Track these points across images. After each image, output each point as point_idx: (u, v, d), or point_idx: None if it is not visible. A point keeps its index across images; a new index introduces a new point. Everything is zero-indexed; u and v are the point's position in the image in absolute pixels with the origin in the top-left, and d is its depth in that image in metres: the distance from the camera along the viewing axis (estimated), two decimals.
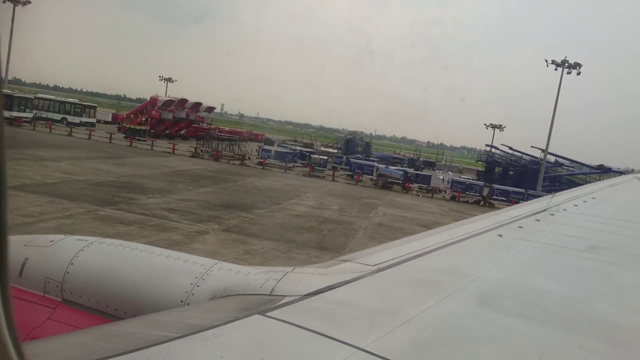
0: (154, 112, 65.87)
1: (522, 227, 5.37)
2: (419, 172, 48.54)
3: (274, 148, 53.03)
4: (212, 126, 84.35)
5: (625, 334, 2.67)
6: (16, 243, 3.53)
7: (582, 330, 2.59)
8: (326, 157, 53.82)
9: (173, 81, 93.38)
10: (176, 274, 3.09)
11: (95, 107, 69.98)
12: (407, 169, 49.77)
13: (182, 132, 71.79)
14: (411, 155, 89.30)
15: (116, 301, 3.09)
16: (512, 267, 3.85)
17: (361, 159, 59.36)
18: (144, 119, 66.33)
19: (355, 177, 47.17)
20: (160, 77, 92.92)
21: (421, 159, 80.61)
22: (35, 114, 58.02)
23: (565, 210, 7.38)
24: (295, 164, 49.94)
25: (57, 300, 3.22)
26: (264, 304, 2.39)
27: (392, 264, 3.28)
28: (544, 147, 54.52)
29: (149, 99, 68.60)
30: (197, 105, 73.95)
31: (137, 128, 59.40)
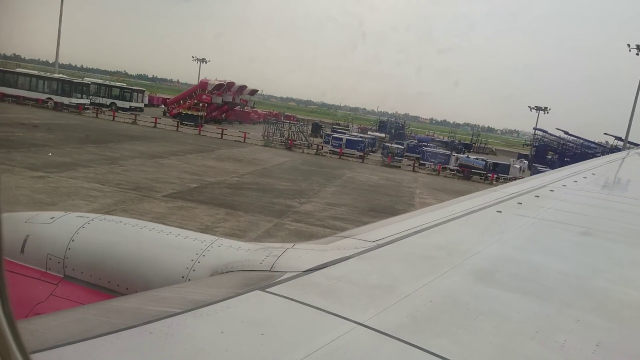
0: (204, 97, 64.31)
1: (521, 204, 5.32)
2: (497, 162, 47.37)
3: (345, 136, 51.67)
4: (253, 109, 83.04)
5: (621, 308, 2.66)
6: (17, 220, 3.54)
7: (578, 305, 2.59)
8: (402, 147, 52.60)
9: (206, 62, 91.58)
10: (177, 250, 3.09)
11: (144, 91, 68.22)
12: (486, 159, 48.54)
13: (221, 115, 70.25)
14: (445, 138, 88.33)
15: (117, 277, 3.09)
16: (511, 243, 3.81)
17: (417, 144, 58.48)
18: (193, 103, 64.87)
19: (432, 166, 46.24)
20: (193, 57, 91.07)
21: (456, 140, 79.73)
22: (92, 100, 56.43)
23: (565, 186, 7.27)
24: (369, 152, 48.80)
25: (59, 277, 3.24)
26: (264, 279, 2.39)
27: (391, 240, 3.26)
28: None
29: (198, 83, 66.94)
30: (242, 88, 72.32)
31: (195, 114, 57.98)
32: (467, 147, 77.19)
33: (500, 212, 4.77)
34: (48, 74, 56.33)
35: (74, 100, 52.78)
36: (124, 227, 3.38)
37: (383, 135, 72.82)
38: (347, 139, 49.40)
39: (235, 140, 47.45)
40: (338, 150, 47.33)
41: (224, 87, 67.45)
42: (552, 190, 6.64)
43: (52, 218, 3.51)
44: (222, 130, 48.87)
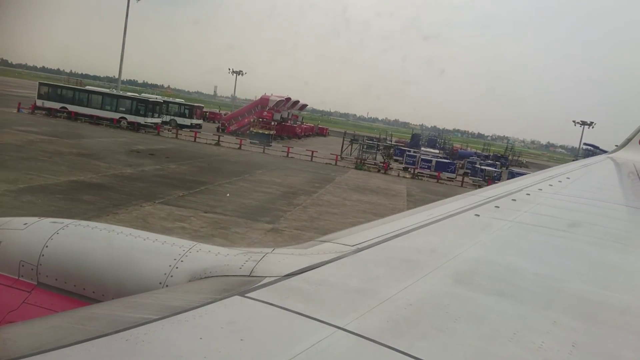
0: (265, 113, 63.22)
1: (498, 207, 5.38)
2: None
3: (427, 157, 51.00)
4: (305, 124, 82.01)
5: (597, 310, 2.70)
6: None
7: (555, 307, 2.62)
8: (499, 170, 52.12)
9: (243, 74, 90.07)
10: (154, 255, 3.06)
11: (202, 107, 66.68)
12: None
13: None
14: (478, 151, 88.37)
15: (93, 284, 3.05)
16: (489, 246, 3.86)
17: (492, 162, 58.25)
18: (252, 119, 63.72)
19: None
20: (229, 69, 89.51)
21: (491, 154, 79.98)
22: (163, 118, 54.81)
23: (541, 190, 7.47)
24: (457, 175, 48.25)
25: (32, 284, 3.19)
26: (243, 284, 2.37)
27: (371, 244, 3.26)
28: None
29: (259, 98, 65.72)
30: (295, 103, 71.43)
31: (266, 133, 56.80)
32: (503, 160, 77.37)
33: (478, 215, 4.80)
34: (122, 93, 54.50)
35: (149, 120, 51.20)
36: (100, 232, 3.31)
37: (437, 151, 72.45)
38: (437, 161, 48.79)
39: (326, 163, 46.48)
40: (428, 171, 46.73)
41: (283, 103, 66.52)
42: (529, 194, 6.70)
43: (25, 224, 3.43)
44: (312, 152, 47.76)
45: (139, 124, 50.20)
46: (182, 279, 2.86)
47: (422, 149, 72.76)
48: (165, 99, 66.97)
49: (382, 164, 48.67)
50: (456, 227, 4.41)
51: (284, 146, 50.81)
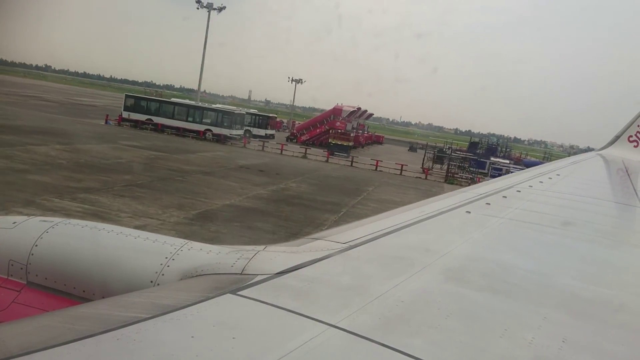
0: (337, 123, 62.69)
1: (489, 204, 5.38)
2: None
3: (506, 167, 49.30)
4: (371, 133, 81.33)
5: (586, 305, 2.74)
6: None
7: (546, 303, 2.63)
8: None
9: (302, 82, 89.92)
10: (145, 254, 3.06)
11: (276, 117, 66.63)
12: None
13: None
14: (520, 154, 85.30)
15: (83, 283, 3.04)
16: (480, 242, 3.85)
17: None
18: (325, 129, 63.26)
19: None
20: (289, 78, 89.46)
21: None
22: (245, 130, 54.80)
23: (531, 187, 7.45)
24: None
25: (21, 283, 3.17)
26: (235, 283, 2.35)
27: (363, 242, 3.25)
28: None
29: (331, 108, 65.29)
30: (363, 112, 70.72)
31: (345, 144, 56.22)
32: None
33: (470, 212, 4.80)
34: (207, 105, 54.77)
35: (233, 132, 51.22)
36: (90, 231, 3.30)
37: (507, 161, 70.56)
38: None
39: (416, 177, 45.53)
40: None
41: (355, 113, 65.93)
42: (519, 191, 6.71)
43: (14, 223, 3.40)
44: (401, 166, 46.85)
45: (225, 136, 50.26)
46: (173, 278, 2.85)
47: (491, 158, 71.08)
48: (244, 110, 67.16)
49: (472, 178, 47.46)
50: (447, 224, 4.42)
51: (356, 156, 50.07)
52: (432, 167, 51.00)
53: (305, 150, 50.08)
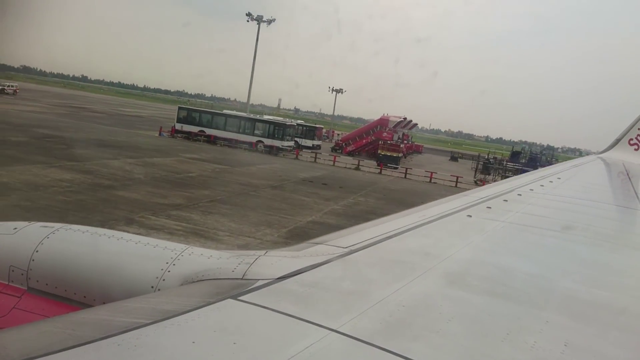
0: (384, 134, 62.34)
1: (490, 208, 5.39)
2: None
3: None
4: (416, 143, 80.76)
5: (588, 308, 2.73)
6: None
7: (548, 307, 2.64)
8: None
9: (343, 92, 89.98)
10: (146, 259, 3.05)
11: (322, 128, 66.75)
12: None
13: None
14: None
15: (84, 289, 3.04)
16: (481, 246, 3.86)
17: None
18: (370, 140, 62.98)
19: None
20: (329, 88, 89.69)
21: None
22: (295, 141, 54.98)
23: (532, 190, 7.46)
24: None
25: (22, 289, 3.16)
26: (236, 288, 2.35)
27: (364, 246, 3.25)
28: None
29: (378, 119, 65.10)
30: (408, 122, 70.19)
31: (394, 155, 55.82)
32: None
33: (471, 216, 4.81)
34: (258, 116, 55.28)
35: (285, 143, 51.43)
36: (91, 236, 3.29)
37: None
38: None
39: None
40: None
41: (401, 124, 65.51)
42: (520, 195, 6.70)
43: (15, 228, 3.40)
44: (456, 178, 46.15)
45: (277, 148, 50.49)
46: (174, 283, 2.83)
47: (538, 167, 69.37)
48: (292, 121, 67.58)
49: None
50: (448, 228, 4.40)
51: (407, 167, 49.44)
52: (484, 178, 50.02)
53: (358, 162, 49.85)
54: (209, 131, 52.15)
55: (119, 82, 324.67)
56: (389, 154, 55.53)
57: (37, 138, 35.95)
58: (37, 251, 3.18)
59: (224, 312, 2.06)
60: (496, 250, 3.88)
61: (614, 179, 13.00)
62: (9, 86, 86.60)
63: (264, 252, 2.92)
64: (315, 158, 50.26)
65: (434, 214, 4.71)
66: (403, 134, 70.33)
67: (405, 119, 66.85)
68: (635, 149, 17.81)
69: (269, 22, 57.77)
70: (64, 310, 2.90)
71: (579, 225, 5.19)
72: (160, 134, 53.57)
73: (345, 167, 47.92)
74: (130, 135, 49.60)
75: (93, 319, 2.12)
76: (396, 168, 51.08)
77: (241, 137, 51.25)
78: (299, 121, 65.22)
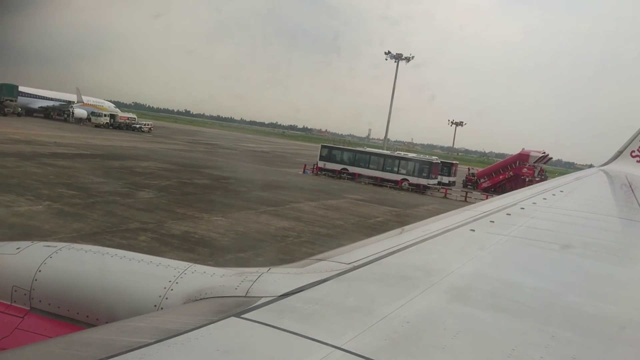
0: (524, 169, 59.22)
1: (493, 222, 5.39)
2: None
3: None
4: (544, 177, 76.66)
5: (593, 322, 2.72)
6: None
7: (552, 321, 2.63)
8: None
9: (463, 125, 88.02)
10: (149, 278, 3.06)
11: (457, 163, 65.11)
12: None
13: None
14: None
15: (87, 308, 3.05)
16: (485, 261, 3.85)
17: None
18: (508, 175, 60.03)
19: None
20: (449, 121, 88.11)
21: None
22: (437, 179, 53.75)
23: (535, 203, 7.49)
24: None
25: (25, 309, 3.17)
26: (239, 305, 2.36)
27: (367, 262, 3.25)
28: None
29: (517, 154, 62.34)
30: (546, 157, 66.40)
31: None
32: None
33: (474, 230, 4.78)
34: (403, 154, 55.05)
35: (431, 181, 50.30)
36: (94, 255, 3.30)
37: None
38: None
39: None
40: None
41: (541, 159, 62.12)
42: (523, 208, 6.67)
43: (18, 248, 3.40)
44: None
45: (424, 186, 49.50)
46: (177, 301, 2.83)
47: None
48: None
49: None
50: (452, 243, 4.35)
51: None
52: None
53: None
54: (352, 169, 52.34)
55: (218, 116, 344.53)
56: None
57: (214, 179, 37.74)
58: (40, 271, 3.18)
59: (228, 331, 2.05)
60: (500, 264, 3.87)
61: (617, 191, 13.05)
62: (145, 124, 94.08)
63: (266, 269, 2.89)
64: (466, 197, 48.48)
65: (437, 229, 4.68)
66: (541, 169, 66.60)
67: (545, 153, 63.33)
68: (638, 161, 17.82)
69: (408, 59, 57.81)
70: (67, 330, 2.89)
71: (583, 238, 5.17)
72: (304, 172, 54.67)
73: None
74: (279, 174, 51.01)
75: (96, 338, 2.12)
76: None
77: (386, 175, 50.85)
78: (433, 157, 64.08)
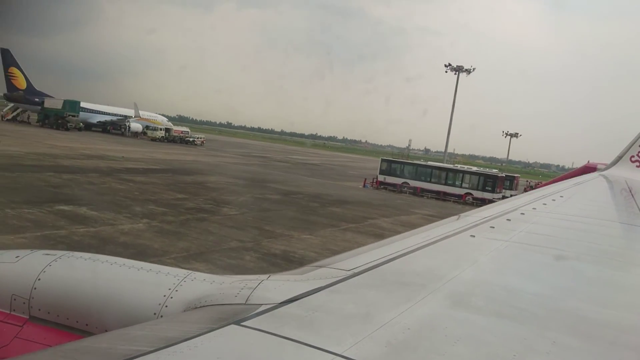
0: None
1: (493, 227, 5.38)
2: None
3: None
4: None
5: (595, 328, 2.70)
6: None
7: (554, 327, 2.61)
8: None
9: (518, 136, 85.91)
10: (148, 286, 3.06)
11: (519, 177, 63.42)
12: None
13: None
14: None
15: (87, 316, 3.04)
16: (485, 266, 3.85)
17: None
18: None
19: None
20: (503, 132, 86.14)
21: None
22: (504, 193, 52.37)
23: (535, 209, 7.40)
24: None
25: (24, 318, 3.16)
26: (239, 313, 2.36)
27: (367, 268, 3.24)
28: None
29: (582, 166, 60.15)
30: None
31: None
32: None
33: (474, 236, 4.75)
34: (466, 168, 54.09)
35: (496, 196, 48.97)
36: (93, 263, 3.28)
37: None
38: None
39: None
40: None
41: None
42: (523, 214, 6.63)
43: (17, 257, 3.39)
44: None
45: (489, 200, 48.25)
46: (177, 309, 2.81)
47: None
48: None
49: None
50: (452, 249, 4.34)
51: None
52: None
53: None
54: (413, 183, 51.68)
55: (259, 127, 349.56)
56: None
57: (283, 194, 37.89)
58: (39, 279, 3.16)
59: (228, 338, 2.04)
60: (501, 270, 3.87)
61: (617, 196, 13.00)
62: (197, 138, 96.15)
63: (266, 276, 2.87)
64: None
65: (437, 235, 4.65)
66: None
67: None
68: (637, 166, 17.78)
69: (468, 72, 56.88)
70: (66, 339, 2.86)
71: (583, 243, 5.14)
72: (364, 185, 54.36)
73: None
74: (340, 188, 50.87)
75: (96, 347, 2.10)
76: None
77: (449, 189, 49.96)
78: (494, 171, 62.53)
